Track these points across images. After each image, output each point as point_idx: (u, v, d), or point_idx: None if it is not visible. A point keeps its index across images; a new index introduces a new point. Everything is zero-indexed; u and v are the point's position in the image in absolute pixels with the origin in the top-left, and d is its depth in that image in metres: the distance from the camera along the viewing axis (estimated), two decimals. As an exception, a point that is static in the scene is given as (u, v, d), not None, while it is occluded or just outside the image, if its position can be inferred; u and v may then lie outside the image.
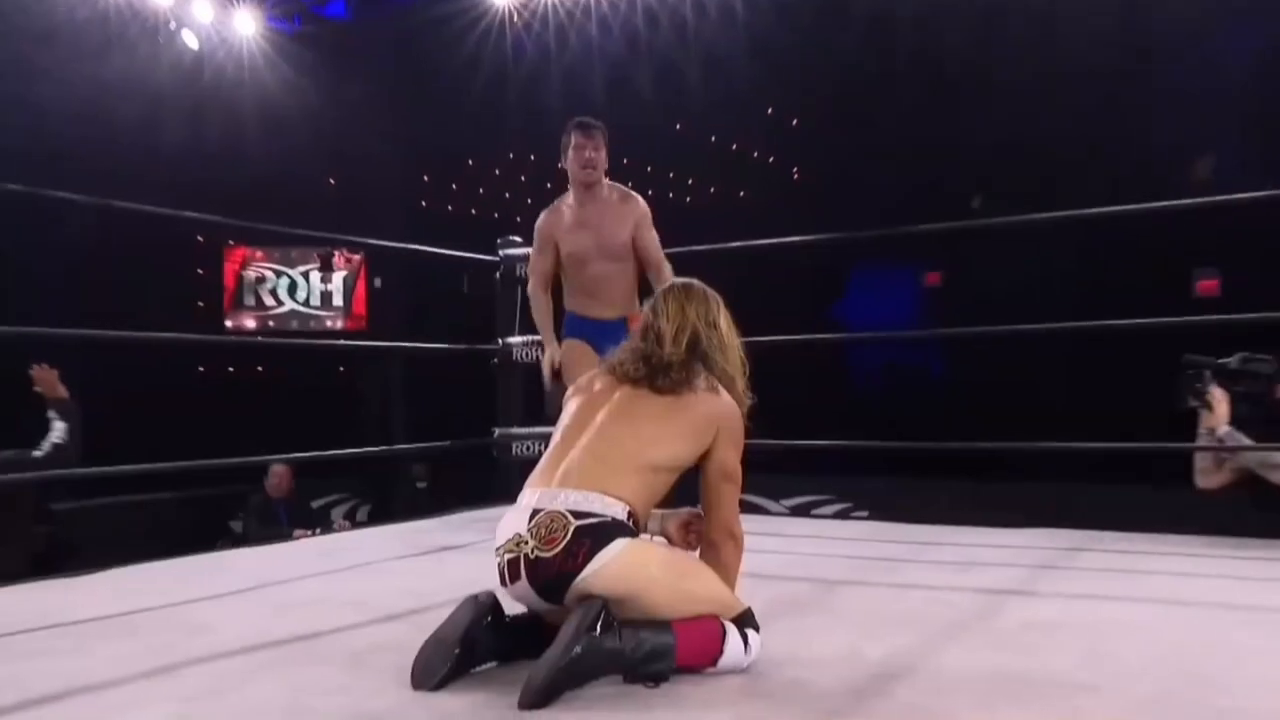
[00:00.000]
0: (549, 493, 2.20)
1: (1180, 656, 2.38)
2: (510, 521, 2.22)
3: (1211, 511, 4.21)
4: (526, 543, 2.14)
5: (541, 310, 4.40)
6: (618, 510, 2.17)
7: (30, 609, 2.89)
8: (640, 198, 4.35)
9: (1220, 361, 4.09)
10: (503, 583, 2.21)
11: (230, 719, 1.96)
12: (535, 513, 2.17)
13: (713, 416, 2.34)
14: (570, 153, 4.25)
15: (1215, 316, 4.86)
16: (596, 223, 4.25)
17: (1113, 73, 8.59)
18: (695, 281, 2.60)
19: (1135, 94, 8.55)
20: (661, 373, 2.34)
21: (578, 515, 2.13)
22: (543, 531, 2.13)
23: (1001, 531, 4.12)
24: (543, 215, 4.41)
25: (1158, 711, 1.98)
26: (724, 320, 2.52)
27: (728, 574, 2.34)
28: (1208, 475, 4.13)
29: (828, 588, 3.22)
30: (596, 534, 2.11)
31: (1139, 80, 8.56)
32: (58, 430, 4.65)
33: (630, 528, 2.19)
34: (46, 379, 4.69)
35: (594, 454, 2.25)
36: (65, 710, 2.03)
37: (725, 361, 2.46)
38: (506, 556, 2.18)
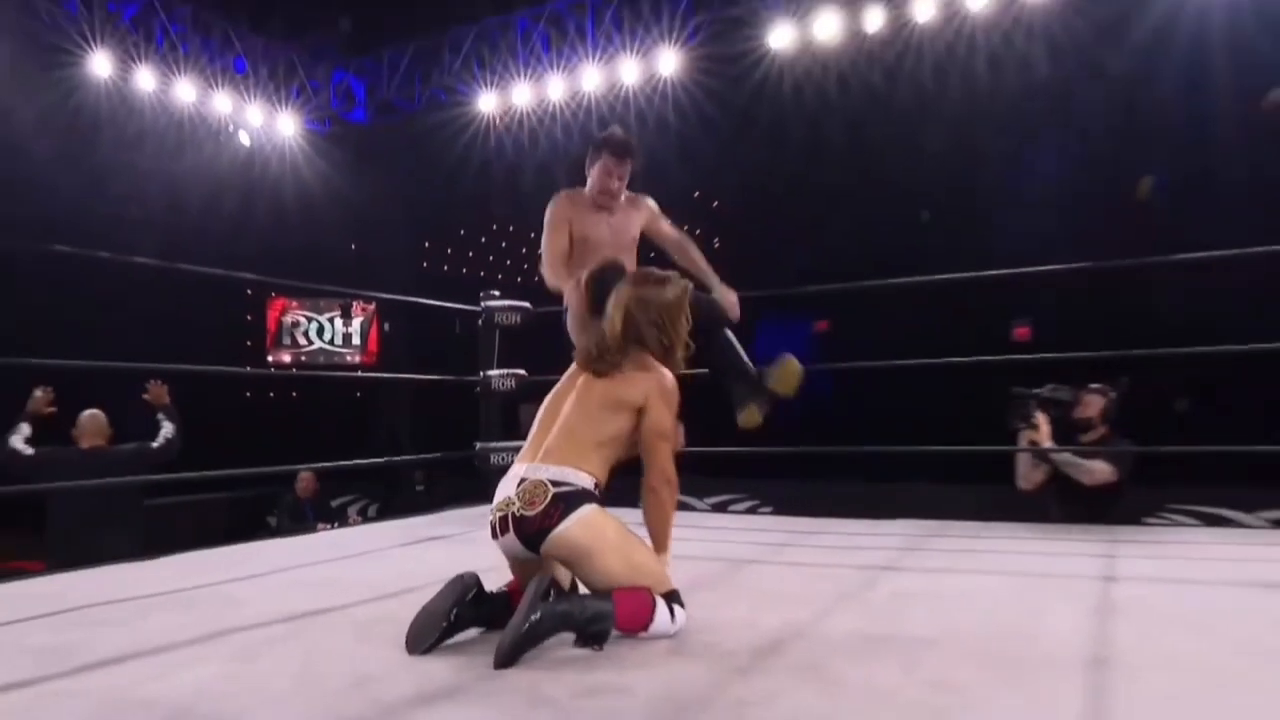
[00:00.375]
0: (533, 466, 2.23)
1: (1002, 614, 2.40)
2: (502, 488, 2.24)
3: (1030, 505, 4.29)
4: (514, 504, 2.17)
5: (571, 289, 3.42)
6: (586, 482, 2.20)
7: (109, 585, 2.82)
8: (648, 197, 3.81)
9: (1035, 391, 4.18)
10: (494, 535, 2.22)
11: (258, 677, 1.91)
12: (522, 481, 2.20)
13: (638, 391, 2.30)
14: (595, 170, 3.52)
15: (1028, 356, 4.98)
16: (611, 213, 3.62)
17: (960, 168, 8.82)
18: (653, 269, 2.56)
19: (977, 189, 8.79)
20: (599, 359, 2.35)
21: (555, 484, 2.16)
22: (527, 495, 2.16)
23: (876, 522, 4.14)
24: (559, 198, 3.63)
25: (981, 658, 1.98)
26: (670, 293, 2.43)
27: (666, 511, 2.34)
28: (1028, 478, 4.22)
29: (735, 566, 3.21)
30: (569, 500, 2.14)
31: (979, 176, 8.80)
32: (167, 428, 5.02)
33: (596, 496, 2.21)
34: (158, 391, 5.06)
35: (565, 435, 2.28)
36: (129, 669, 1.98)
37: (662, 333, 2.39)
38: (498, 515, 2.20)
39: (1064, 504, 4.10)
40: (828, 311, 9.27)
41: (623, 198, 3.65)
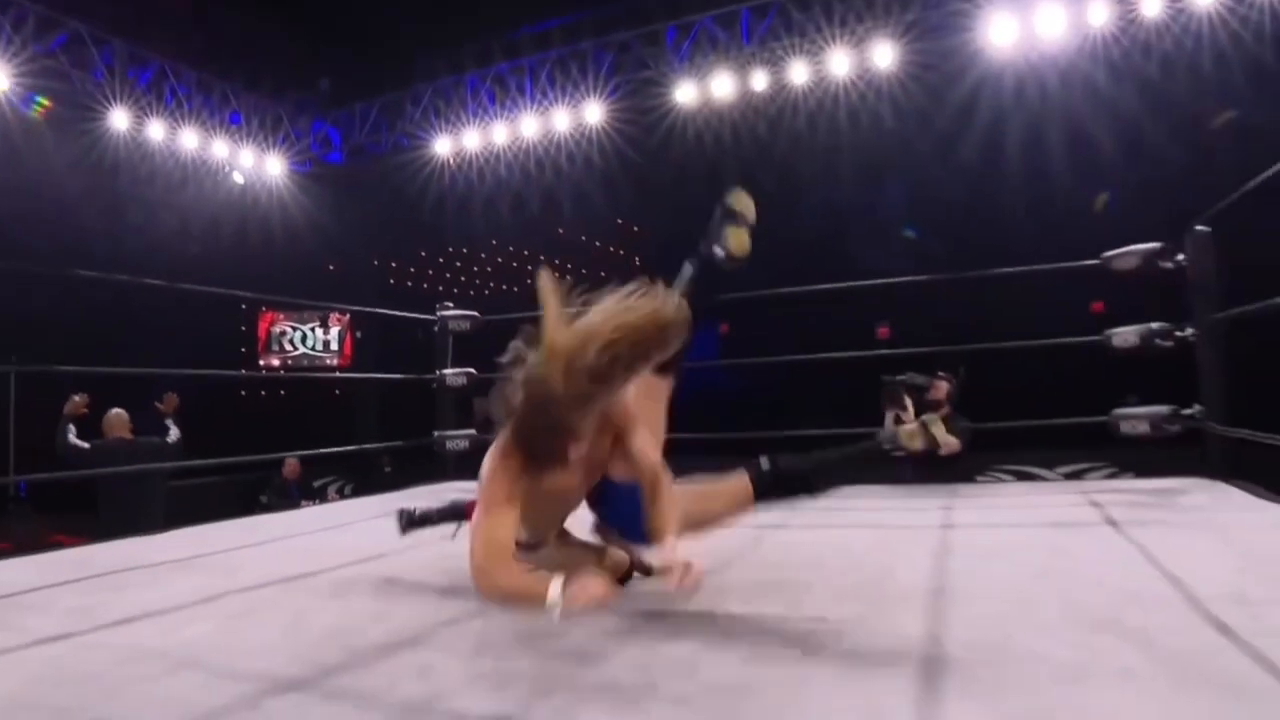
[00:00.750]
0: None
1: (869, 559, 2.43)
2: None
3: (894, 471, 4.33)
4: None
5: None
6: None
7: (131, 553, 2.71)
8: None
9: (899, 378, 4.25)
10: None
11: (252, 630, 1.86)
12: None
13: (605, 445, 1.91)
14: None
15: (887, 351, 5.08)
16: None
17: (828, 198, 9.01)
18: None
19: (845, 213, 8.97)
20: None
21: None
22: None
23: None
24: None
25: (850, 595, 2.00)
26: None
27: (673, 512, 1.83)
28: (910, 449, 4.25)
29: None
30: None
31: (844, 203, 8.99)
32: (174, 431, 5.20)
33: None
34: (171, 401, 5.22)
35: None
36: (145, 625, 1.92)
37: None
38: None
39: (919, 467, 4.18)
40: (729, 317, 9.35)
41: None
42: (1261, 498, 3.07)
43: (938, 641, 1.63)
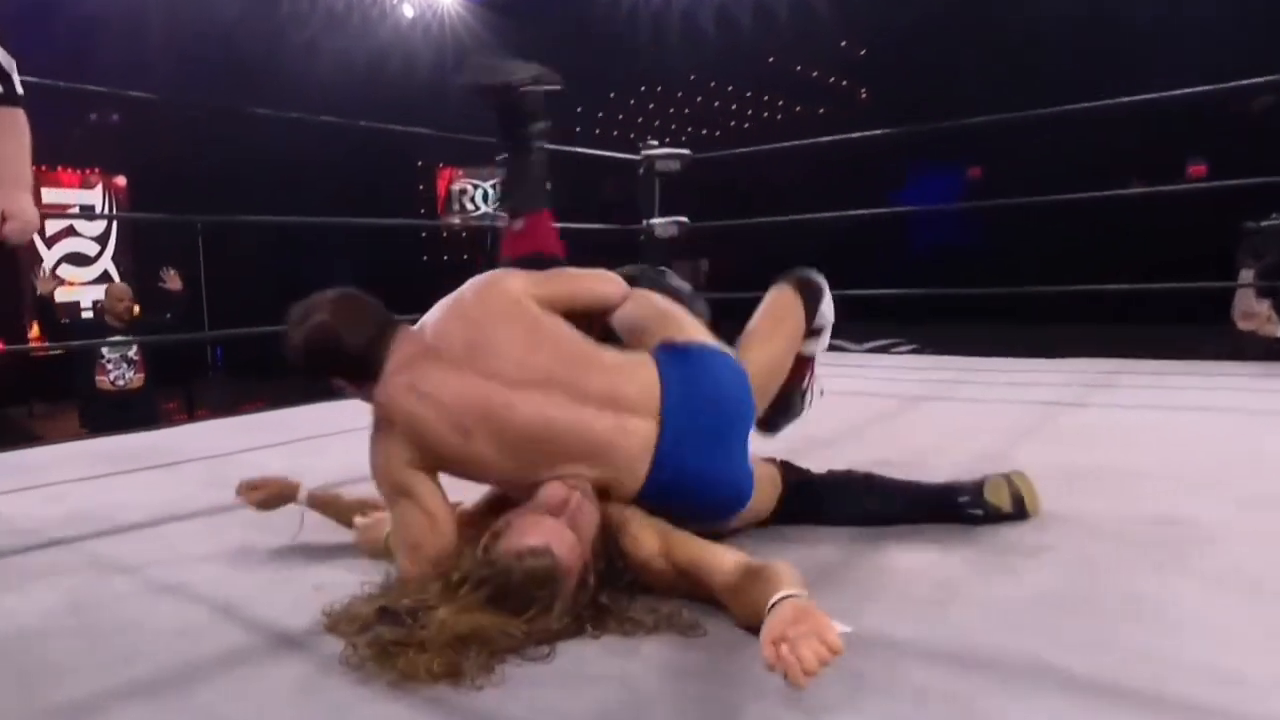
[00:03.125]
0: None
1: (1211, 448, 2.13)
2: None
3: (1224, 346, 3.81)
4: None
5: None
6: None
7: (319, 419, 2.84)
8: None
9: (1264, 224, 3.61)
10: None
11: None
12: None
13: None
14: None
15: (1208, 185, 4.35)
16: None
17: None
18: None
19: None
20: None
21: None
22: None
23: (1047, 360, 3.79)
24: None
25: (1201, 491, 1.76)
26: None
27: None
28: (1248, 316, 3.69)
29: (910, 403, 2.99)
30: None
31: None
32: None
33: None
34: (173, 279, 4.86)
35: None
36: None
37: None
38: None
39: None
40: (980, 159, 8.63)
41: None
42: None
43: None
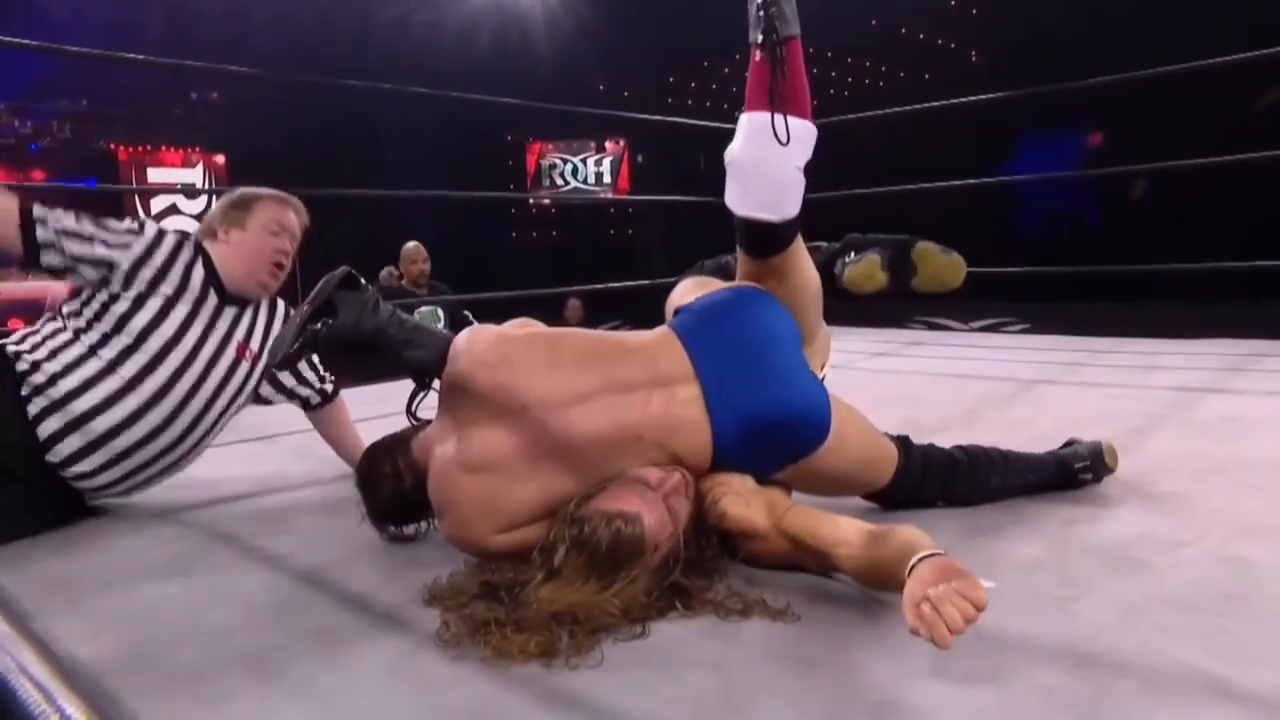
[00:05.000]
0: None
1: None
2: None
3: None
4: None
5: None
6: None
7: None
8: None
9: None
10: None
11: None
12: None
13: None
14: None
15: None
16: None
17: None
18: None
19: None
20: None
21: None
22: None
23: (1174, 342, 3.59)
24: None
25: None
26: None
27: None
28: None
29: (1025, 386, 2.87)
30: None
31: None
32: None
33: None
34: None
35: None
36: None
37: None
38: None
39: None
40: (1100, 124, 8.22)
41: None
42: None
43: None
